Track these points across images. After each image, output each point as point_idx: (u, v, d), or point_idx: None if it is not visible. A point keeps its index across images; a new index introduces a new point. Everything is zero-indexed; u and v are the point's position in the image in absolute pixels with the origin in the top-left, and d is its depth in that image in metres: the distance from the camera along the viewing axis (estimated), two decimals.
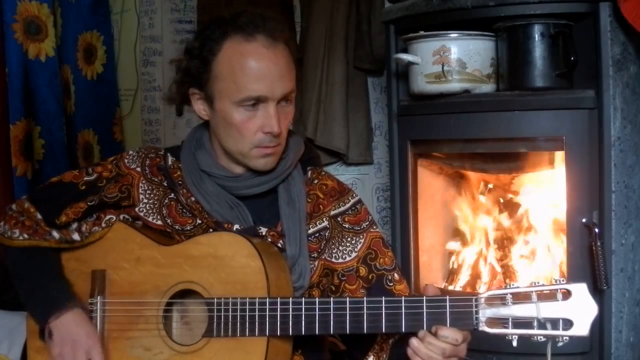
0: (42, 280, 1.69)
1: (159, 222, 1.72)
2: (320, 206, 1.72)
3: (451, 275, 2.71)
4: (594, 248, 2.19)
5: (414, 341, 1.47)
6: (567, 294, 1.40)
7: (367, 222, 1.73)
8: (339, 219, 1.72)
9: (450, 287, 2.67)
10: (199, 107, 1.69)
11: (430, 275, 2.70)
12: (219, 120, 1.66)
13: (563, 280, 1.41)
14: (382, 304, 1.49)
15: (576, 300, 1.39)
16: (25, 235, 1.74)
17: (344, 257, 1.70)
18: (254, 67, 1.59)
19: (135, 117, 3.72)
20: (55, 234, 1.74)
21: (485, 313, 1.43)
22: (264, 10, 1.69)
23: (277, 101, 1.61)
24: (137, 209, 1.73)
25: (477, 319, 1.44)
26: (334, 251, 1.70)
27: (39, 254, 1.73)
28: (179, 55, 1.72)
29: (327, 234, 1.71)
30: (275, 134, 1.61)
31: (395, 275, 1.69)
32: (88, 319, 1.66)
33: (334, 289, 1.70)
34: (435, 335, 1.46)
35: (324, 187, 1.75)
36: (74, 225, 1.75)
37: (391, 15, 2.66)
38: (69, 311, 1.64)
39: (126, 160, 1.77)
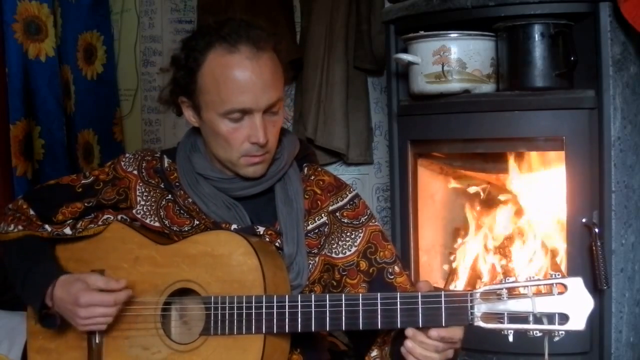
0: (34, 264, 1.69)
1: (157, 224, 1.72)
2: (318, 202, 1.72)
3: (451, 275, 2.71)
4: (594, 248, 2.18)
5: (408, 342, 1.49)
6: (562, 289, 1.40)
7: (366, 216, 1.73)
8: (337, 214, 1.72)
9: (451, 287, 2.66)
10: (189, 114, 1.70)
11: (431, 275, 2.70)
12: (207, 129, 1.67)
13: (559, 275, 1.41)
14: (377, 300, 1.49)
15: (572, 295, 1.39)
16: (20, 227, 1.76)
17: (344, 252, 1.70)
18: (237, 80, 1.59)
19: (135, 117, 3.72)
20: (47, 227, 1.75)
21: (480, 308, 1.43)
22: (251, 17, 1.68)
23: (262, 111, 1.61)
24: (134, 211, 1.73)
25: (472, 314, 1.44)
26: (333, 246, 1.71)
27: (31, 243, 1.74)
28: (167, 65, 1.72)
29: (326, 229, 1.71)
30: (262, 144, 1.61)
31: (396, 268, 1.69)
32: (74, 278, 1.63)
33: (335, 284, 1.70)
34: (435, 337, 1.46)
35: (321, 183, 1.75)
36: (68, 222, 1.75)
37: (391, 15, 2.66)
38: (56, 284, 1.63)
39: (123, 164, 1.78)
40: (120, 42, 3.66)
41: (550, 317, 1.40)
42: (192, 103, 1.66)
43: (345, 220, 1.72)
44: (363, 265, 1.69)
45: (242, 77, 1.59)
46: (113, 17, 3.62)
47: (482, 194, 2.69)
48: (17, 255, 1.74)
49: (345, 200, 1.74)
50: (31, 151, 2.92)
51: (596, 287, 2.17)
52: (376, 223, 1.74)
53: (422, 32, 2.43)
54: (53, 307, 1.64)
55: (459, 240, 2.71)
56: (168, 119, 3.71)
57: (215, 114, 1.62)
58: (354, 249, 1.70)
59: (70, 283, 1.62)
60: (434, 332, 1.46)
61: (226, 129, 1.62)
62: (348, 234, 1.71)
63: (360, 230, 1.72)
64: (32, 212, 1.77)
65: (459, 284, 2.65)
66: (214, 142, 1.67)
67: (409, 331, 1.48)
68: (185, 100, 1.68)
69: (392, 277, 1.68)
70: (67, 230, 1.74)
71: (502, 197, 2.63)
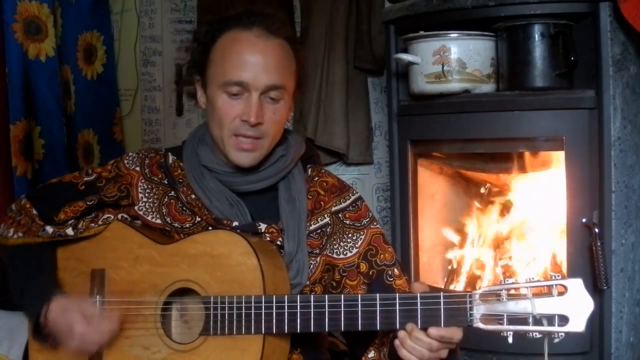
0: (31, 278, 1.69)
1: (159, 221, 1.72)
2: (322, 202, 1.73)
3: (451, 275, 2.71)
4: (594, 248, 2.18)
5: (400, 333, 1.49)
6: (562, 290, 1.39)
7: (368, 219, 1.74)
8: (339, 215, 1.73)
9: (451, 287, 2.66)
10: (200, 93, 1.73)
11: (430, 275, 2.70)
12: (208, 106, 1.69)
13: (558, 276, 1.41)
14: (376, 301, 1.49)
15: (572, 296, 1.39)
16: (20, 234, 1.75)
17: (345, 253, 1.71)
18: (242, 54, 1.62)
19: (135, 117, 3.72)
20: (49, 229, 1.74)
21: (479, 309, 1.43)
22: (274, 9, 1.71)
23: (261, 92, 1.62)
24: (136, 208, 1.73)
25: (471, 315, 1.44)
26: (335, 247, 1.71)
27: (30, 252, 1.73)
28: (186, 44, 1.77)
29: (328, 230, 1.72)
30: (252, 123, 1.61)
31: (395, 270, 1.70)
32: (70, 304, 1.62)
33: (335, 284, 1.71)
34: (435, 336, 1.45)
35: (325, 184, 1.76)
36: (70, 222, 1.75)
37: (391, 15, 2.66)
38: (51, 306, 1.61)
39: (126, 162, 1.79)
40: (120, 42, 3.66)
41: (550, 319, 1.40)
42: (203, 81, 1.70)
43: (347, 222, 1.73)
44: (363, 267, 1.70)
45: (247, 52, 1.62)
46: (113, 17, 3.62)
47: (481, 193, 2.69)
48: (16, 265, 1.73)
49: (348, 202, 1.75)
50: (31, 151, 2.92)
51: (596, 287, 2.17)
52: (377, 226, 1.75)
53: (422, 32, 2.43)
54: (46, 327, 1.62)
55: (458, 242, 2.71)
56: (168, 119, 3.72)
57: (215, 86, 1.64)
58: (354, 251, 1.71)
59: (66, 310, 1.61)
60: (433, 331, 1.45)
61: (222, 103, 1.64)
62: (350, 235, 1.72)
63: (361, 232, 1.72)
64: (34, 212, 1.77)
65: (459, 285, 2.65)
66: (211, 119, 1.68)
67: (408, 326, 1.48)
68: (199, 79, 1.71)
69: (392, 279, 1.69)
70: (70, 231, 1.73)
71: (501, 197, 2.63)
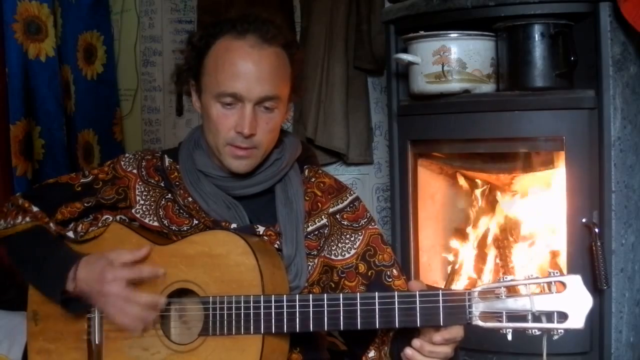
0: (50, 254, 1.67)
1: (156, 224, 1.72)
2: (319, 204, 1.73)
3: (451, 275, 2.71)
4: (594, 248, 2.18)
5: (408, 350, 1.48)
6: (561, 287, 1.39)
7: (366, 219, 1.74)
8: (337, 216, 1.73)
9: (451, 287, 2.66)
10: (195, 98, 1.72)
11: (430, 275, 2.70)
12: (203, 112, 1.68)
13: (557, 273, 1.41)
14: (375, 299, 1.49)
15: (571, 293, 1.39)
16: (28, 219, 1.74)
17: (343, 254, 1.70)
18: (235, 64, 1.60)
19: (135, 117, 3.72)
20: (52, 226, 1.74)
21: (478, 307, 1.43)
22: (270, 14, 1.69)
23: (254, 103, 1.61)
24: (133, 211, 1.73)
25: (470, 313, 1.44)
26: (333, 248, 1.71)
27: (40, 234, 1.72)
28: (183, 46, 1.75)
29: (326, 231, 1.71)
30: (245, 135, 1.61)
31: (394, 271, 1.70)
32: (96, 257, 1.61)
33: (333, 285, 1.71)
34: (440, 341, 1.45)
35: (322, 185, 1.76)
36: (70, 225, 1.75)
37: (391, 15, 2.65)
38: (79, 266, 1.60)
39: (122, 163, 1.78)
40: (120, 42, 3.66)
41: (549, 316, 1.40)
42: (197, 87, 1.69)
43: (345, 223, 1.73)
44: (362, 267, 1.70)
45: (240, 62, 1.60)
46: (113, 17, 3.62)
47: (481, 194, 2.69)
48: (30, 245, 1.71)
49: (346, 202, 1.75)
50: (31, 151, 2.91)
51: (596, 287, 2.16)
52: (375, 226, 1.75)
53: (422, 32, 2.43)
54: (76, 289, 1.60)
55: (458, 242, 2.71)
56: (168, 119, 3.72)
57: (210, 96, 1.63)
58: (353, 252, 1.71)
59: (93, 262, 1.60)
60: (437, 337, 1.46)
61: (216, 113, 1.63)
62: (347, 236, 1.72)
63: (359, 233, 1.72)
64: (35, 209, 1.76)
65: (459, 285, 2.65)
66: (206, 127, 1.68)
67: (416, 342, 1.48)
68: (194, 84, 1.70)
69: (391, 280, 1.69)
70: (70, 234, 1.74)
71: (501, 197, 2.63)
